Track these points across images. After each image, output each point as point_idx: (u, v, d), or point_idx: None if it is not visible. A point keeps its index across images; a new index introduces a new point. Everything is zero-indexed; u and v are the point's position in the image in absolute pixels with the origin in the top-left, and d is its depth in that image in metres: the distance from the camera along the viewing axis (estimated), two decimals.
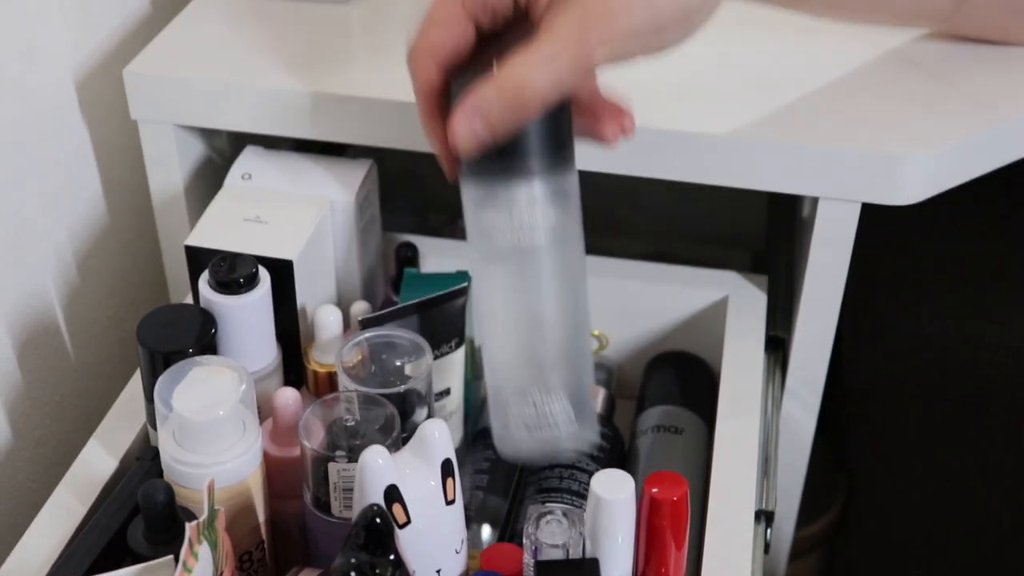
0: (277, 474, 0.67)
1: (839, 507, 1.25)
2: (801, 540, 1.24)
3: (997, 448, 1.19)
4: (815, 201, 0.70)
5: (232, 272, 0.66)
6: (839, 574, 1.31)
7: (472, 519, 0.71)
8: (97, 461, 0.67)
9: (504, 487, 0.73)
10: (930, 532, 1.27)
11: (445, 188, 0.99)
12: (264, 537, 0.67)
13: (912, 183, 0.68)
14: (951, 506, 1.24)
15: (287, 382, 0.72)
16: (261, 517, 0.66)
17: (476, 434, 0.77)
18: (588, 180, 0.74)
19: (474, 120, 0.54)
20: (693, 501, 0.65)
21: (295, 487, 0.66)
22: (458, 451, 0.74)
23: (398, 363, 0.66)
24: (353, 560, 0.53)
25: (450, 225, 0.99)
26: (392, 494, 0.58)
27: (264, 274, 0.68)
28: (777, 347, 0.76)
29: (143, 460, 0.67)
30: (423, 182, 0.99)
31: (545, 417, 0.56)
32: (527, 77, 0.53)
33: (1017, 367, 1.13)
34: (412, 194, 1.00)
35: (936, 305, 1.12)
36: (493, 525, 0.71)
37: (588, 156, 0.71)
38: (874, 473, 1.26)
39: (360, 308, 0.73)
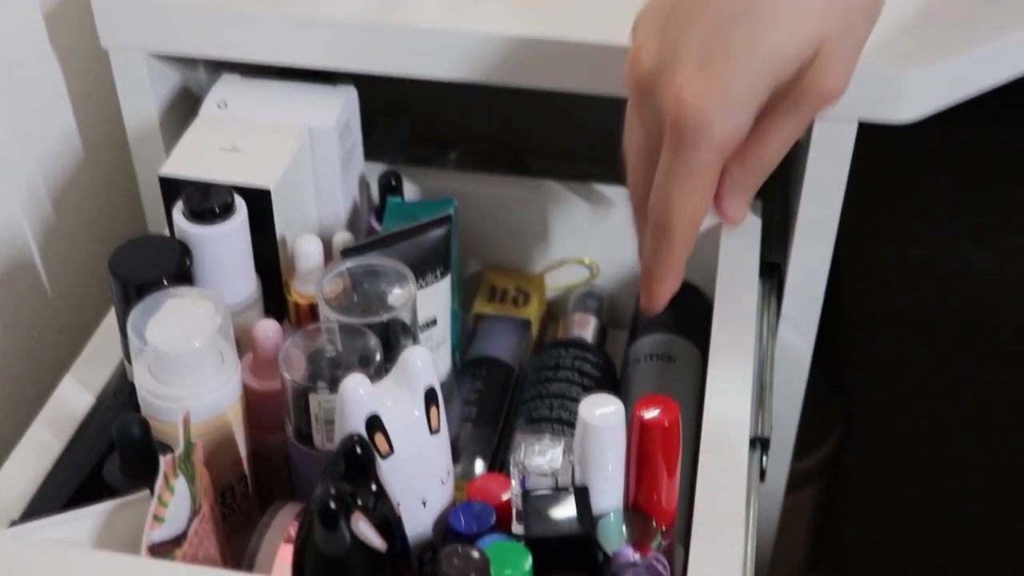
0: (259, 407, 0.66)
1: (837, 438, 1.24)
2: (798, 471, 1.22)
3: (997, 378, 1.18)
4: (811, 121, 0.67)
5: (206, 201, 0.64)
6: (837, 506, 1.30)
7: (460, 451, 0.70)
8: (73, 397, 0.66)
9: (493, 418, 0.71)
10: (929, 463, 1.26)
11: (433, 118, 0.98)
12: (246, 471, 0.65)
13: (911, 98, 0.65)
14: (950, 436, 1.23)
15: (268, 314, 0.70)
16: (243, 451, 0.64)
17: (464, 365, 0.75)
18: (582, 104, 0.72)
19: None
20: (687, 431, 0.63)
21: (277, 420, 0.64)
22: (446, 383, 0.72)
23: (381, 293, 0.65)
24: (333, 490, 0.51)
25: (439, 155, 0.97)
26: (374, 423, 0.56)
27: (240, 203, 0.66)
28: (772, 273, 0.74)
29: (120, 395, 0.66)
30: (410, 111, 0.97)
31: None
32: None
33: (1015, 295, 1.11)
34: (399, 124, 0.98)
35: (936, 234, 1.10)
36: (482, 457, 0.70)
37: (585, 78, 0.69)
38: (872, 404, 1.25)
39: (342, 238, 0.71)
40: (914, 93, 0.65)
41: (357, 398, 0.56)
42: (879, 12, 0.53)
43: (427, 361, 0.57)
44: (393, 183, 0.75)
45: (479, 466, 0.69)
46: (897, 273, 1.13)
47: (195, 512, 0.57)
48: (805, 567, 1.34)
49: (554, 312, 0.83)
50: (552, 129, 0.95)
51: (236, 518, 0.65)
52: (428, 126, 0.98)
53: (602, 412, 0.54)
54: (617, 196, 0.78)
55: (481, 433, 0.71)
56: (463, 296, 0.79)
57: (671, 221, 0.55)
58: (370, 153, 0.79)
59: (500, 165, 0.94)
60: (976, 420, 1.20)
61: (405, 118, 0.98)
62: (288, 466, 0.65)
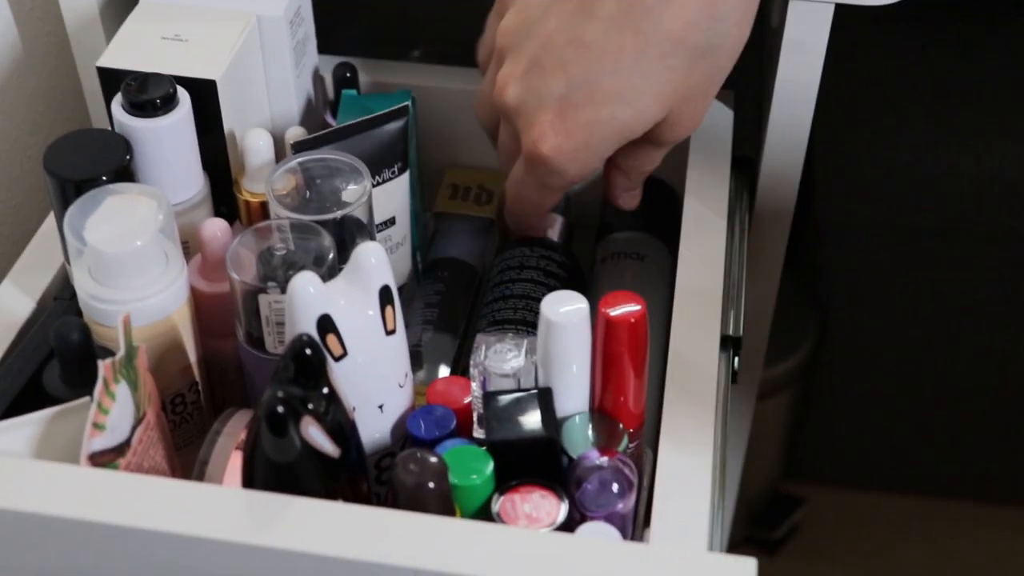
0: (209, 311, 0.63)
1: (811, 344, 1.23)
2: (773, 378, 1.21)
3: (972, 281, 1.16)
4: (784, 5, 0.64)
5: (146, 92, 0.61)
6: (812, 412, 1.29)
7: (423, 356, 0.67)
8: (13, 303, 0.62)
9: (455, 321, 0.69)
10: (904, 367, 1.25)
11: (395, 15, 0.93)
12: (197, 378, 0.62)
13: None
14: (925, 341, 1.22)
15: (219, 214, 0.67)
16: (192, 357, 0.62)
17: (427, 267, 0.72)
18: None
19: None
20: (656, 331, 0.61)
21: (229, 325, 0.61)
22: (407, 285, 0.69)
23: (335, 189, 0.61)
24: (281, 394, 0.48)
25: (401, 54, 0.93)
26: (325, 324, 0.53)
27: (183, 95, 0.62)
28: (745, 168, 0.71)
29: (61, 300, 0.63)
30: (372, 7, 0.93)
31: None
32: None
33: (991, 198, 1.09)
34: (360, 16, 0.94)
35: (911, 134, 1.07)
36: (444, 361, 0.67)
37: None
38: (847, 309, 1.23)
39: (295, 133, 0.68)
40: None
41: (307, 297, 0.53)
42: (729, 68, 0.60)
43: (381, 258, 0.54)
44: (348, 75, 0.72)
45: (442, 371, 0.67)
46: (871, 176, 1.11)
47: (139, 420, 0.54)
48: (780, 474, 1.33)
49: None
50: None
51: (189, 427, 0.63)
52: (390, 23, 0.94)
53: (565, 309, 0.51)
54: None
55: (443, 337, 0.68)
56: (425, 196, 0.76)
57: (522, 215, 0.67)
58: (329, 49, 0.75)
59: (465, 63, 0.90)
60: (951, 324, 1.19)
61: (365, 14, 0.94)
62: (241, 372, 0.63)
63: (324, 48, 0.75)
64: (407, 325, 0.69)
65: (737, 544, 1.31)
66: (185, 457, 0.61)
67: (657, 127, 0.60)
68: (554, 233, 0.72)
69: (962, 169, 1.08)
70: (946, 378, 1.24)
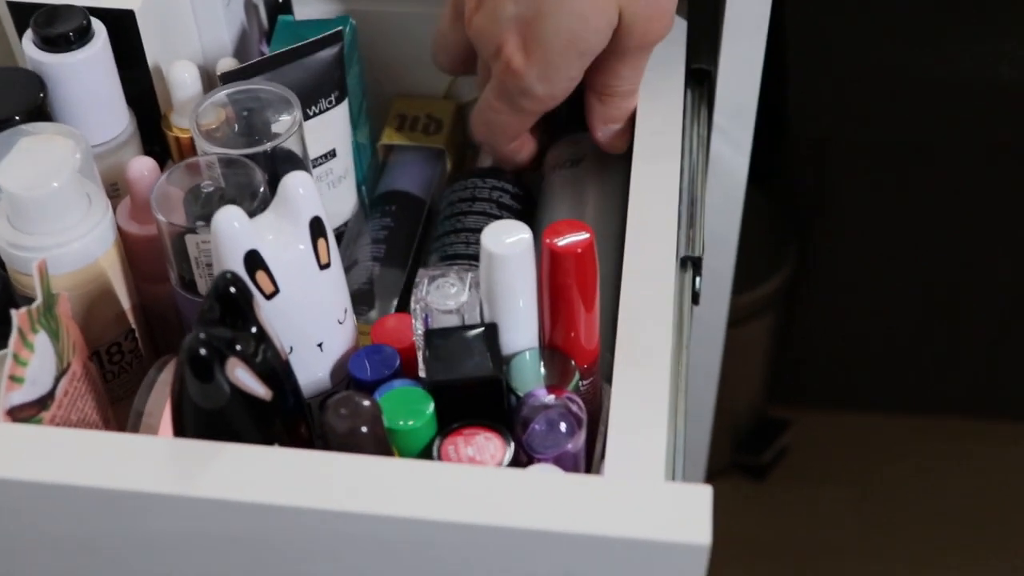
0: (143, 256, 0.60)
1: (791, 267, 1.20)
2: (754, 301, 1.19)
3: (952, 194, 1.13)
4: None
5: (58, 26, 0.57)
6: (796, 334, 1.27)
7: (370, 293, 0.64)
8: None
9: (403, 256, 0.66)
10: (885, 288, 1.22)
11: None
12: (134, 325, 0.59)
13: None
14: (907, 257, 1.19)
15: (150, 154, 0.63)
16: (126, 304, 0.59)
17: (373, 201, 0.69)
18: None
19: None
20: (607, 244, 0.58)
21: (165, 268, 0.58)
22: (352, 220, 0.66)
23: (265, 121, 0.58)
24: (203, 335, 0.45)
25: None
26: (253, 260, 0.50)
27: (99, 27, 0.58)
28: (702, 81, 0.68)
29: None
30: None
31: None
32: None
33: (970, 110, 1.06)
34: None
35: (888, 45, 1.04)
36: (393, 298, 0.64)
37: None
38: (826, 228, 1.20)
39: (226, 64, 0.64)
40: None
41: (232, 233, 0.49)
42: None
43: (310, 188, 0.51)
44: (281, 1, 0.68)
45: (392, 308, 0.64)
46: (848, 89, 1.07)
47: (63, 371, 0.51)
48: (765, 398, 1.31)
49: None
50: None
51: (128, 377, 0.60)
52: None
53: (507, 240, 0.48)
54: None
55: (392, 272, 0.65)
56: (372, 127, 0.73)
57: (492, 141, 0.65)
58: None
59: None
60: (933, 239, 1.16)
61: None
62: (180, 318, 0.60)
63: None
64: (356, 261, 0.66)
65: (724, 470, 1.30)
66: (127, 409, 0.58)
67: (616, 35, 0.58)
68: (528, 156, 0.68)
69: (941, 79, 1.05)
70: (930, 294, 1.22)
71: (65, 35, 0.57)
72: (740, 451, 1.30)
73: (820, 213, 1.20)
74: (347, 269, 0.64)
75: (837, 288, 1.25)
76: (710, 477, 1.07)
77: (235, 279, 0.47)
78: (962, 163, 1.11)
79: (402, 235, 0.66)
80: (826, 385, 1.33)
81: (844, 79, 1.07)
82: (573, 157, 0.66)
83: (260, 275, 0.50)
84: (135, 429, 0.54)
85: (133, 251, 0.59)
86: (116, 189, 0.62)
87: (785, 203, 1.21)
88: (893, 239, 1.18)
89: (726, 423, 1.23)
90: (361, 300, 0.64)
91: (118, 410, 0.58)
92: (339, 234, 0.65)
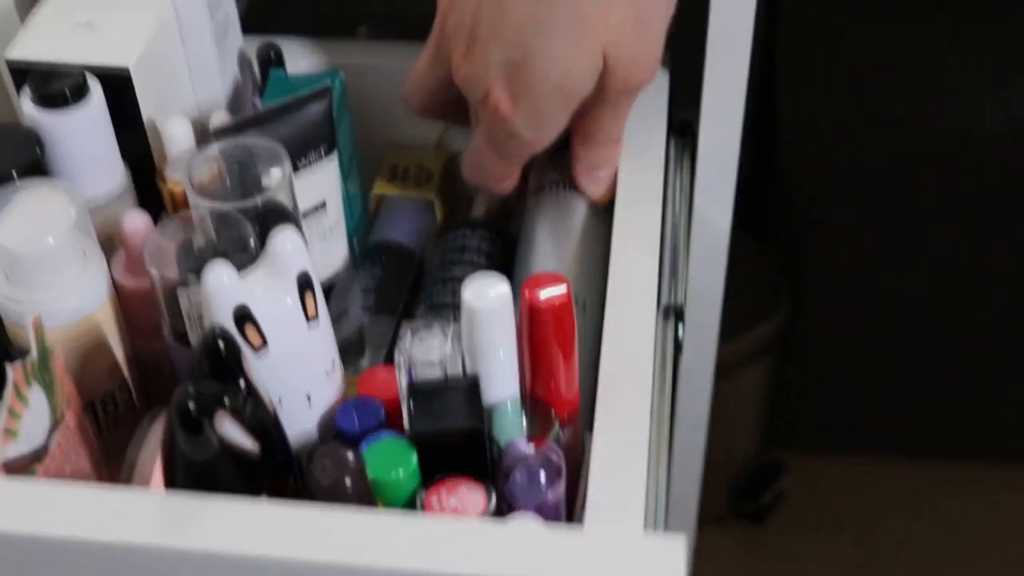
0: (137, 308, 0.61)
1: (786, 311, 1.21)
2: (749, 345, 1.20)
3: (946, 237, 1.14)
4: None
5: (55, 85, 0.59)
6: (792, 378, 1.27)
7: (360, 343, 0.65)
8: None
9: (393, 306, 0.67)
10: (882, 329, 1.23)
11: None
12: (127, 377, 0.61)
13: None
14: (902, 300, 1.20)
15: (145, 206, 0.65)
16: (120, 356, 0.60)
17: (365, 252, 0.71)
18: None
19: None
20: (596, 278, 0.59)
21: (158, 321, 0.59)
22: (342, 271, 0.67)
23: (257, 176, 0.59)
24: (192, 390, 0.46)
25: (348, 34, 0.90)
26: (242, 315, 0.51)
27: (95, 85, 0.60)
28: (685, 132, 0.69)
29: None
30: None
31: None
32: None
33: (959, 155, 1.07)
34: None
35: (879, 83, 1.05)
36: (382, 348, 0.65)
37: None
38: (820, 272, 1.21)
39: (219, 119, 0.66)
40: None
41: (221, 289, 0.51)
42: (660, 6, 0.59)
43: (297, 243, 0.52)
44: (273, 56, 0.70)
45: (373, 356, 0.65)
46: (838, 134, 1.08)
47: (56, 424, 0.53)
48: (762, 443, 1.31)
49: (467, 190, 0.78)
50: None
51: (122, 429, 0.61)
52: (334, 2, 0.92)
53: (485, 294, 0.49)
54: None
55: (382, 322, 0.66)
56: (364, 178, 0.74)
57: (483, 184, 0.65)
58: (271, 31, 0.73)
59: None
60: (928, 282, 1.17)
61: None
62: (174, 371, 0.61)
63: (267, 28, 0.73)
64: (346, 311, 0.67)
65: (721, 516, 1.30)
66: (121, 460, 0.60)
67: (600, 80, 0.59)
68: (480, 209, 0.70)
69: (930, 123, 1.06)
70: (925, 337, 1.22)
71: (62, 93, 0.58)
72: (737, 496, 1.31)
73: (812, 257, 1.21)
74: (337, 319, 0.65)
75: (832, 331, 1.25)
76: (706, 523, 1.08)
77: (224, 334, 0.48)
78: (952, 207, 1.11)
79: (393, 285, 0.68)
80: (823, 429, 1.34)
81: (833, 124, 1.08)
82: (557, 179, 0.67)
83: (249, 329, 0.51)
84: (128, 480, 0.55)
85: (127, 303, 0.60)
86: (111, 242, 0.63)
87: (777, 247, 1.22)
88: (886, 282, 1.19)
89: (723, 469, 1.23)
90: (351, 350, 0.65)
91: (113, 461, 0.59)
92: (330, 285, 0.66)
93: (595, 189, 0.65)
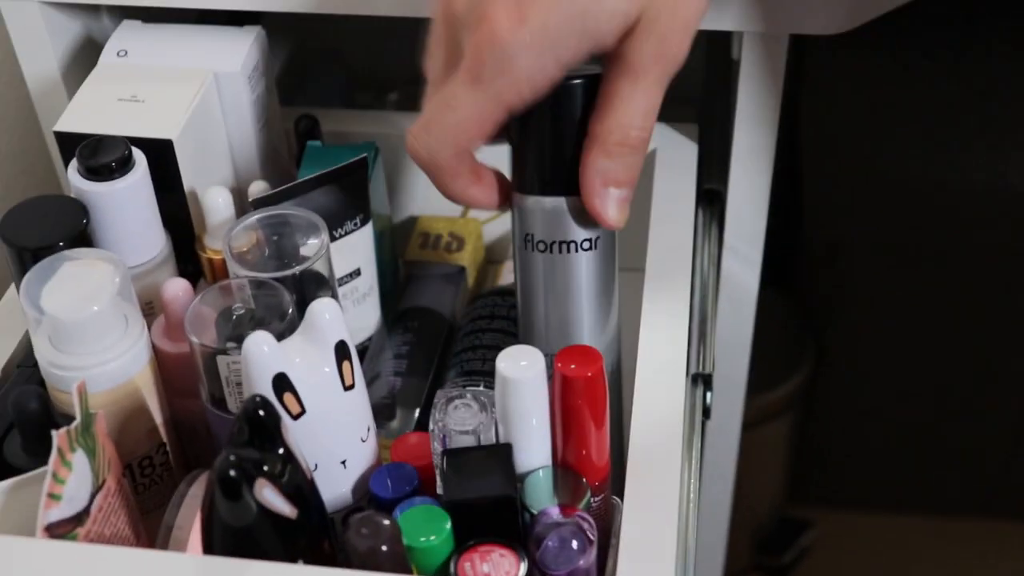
0: (176, 371, 0.62)
1: (808, 369, 1.22)
2: (771, 404, 1.20)
3: (967, 295, 1.15)
4: (740, 38, 0.64)
5: (101, 156, 0.60)
6: (815, 434, 1.28)
7: (391, 407, 0.67)
8: None
9: (424, 371, 0.68)
10: (905, 385, 1.23)
11: (370, 61, 0.93)
12: (165, 439, 0.62)
13: (842, 7, 0.62)
14: (925, 356, 1.20)
15: (184, 274, 0.66)
16: (158, 418, 0.61)
17: (396, 317, 0.72)
18: None
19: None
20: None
21: (196, 384, 0.61)
22: (375, 336, 0.69)
23: (295, 245, 0.61)
24: (233, 457, 0.48)
25: (378, 100, 0.93)
26: (281, 383, 0.53)
27: (139, 156, 0.62)
28: (713, 201, 0.71)
29: (24, 368, 0.62)
30: (346, 56, 0.93)
31: None
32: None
33: (980, 215, 1.08)
34: (335, 70, 0.94)
35: (901, 150, 1.06)
36: (414, 412, 0.66)
37: None
38: (842, 333, 1.22)
39: (257, 188, 0.67)
40: (844, 2, 0.61)
41: (261, 357, 0.52)
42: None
43: (335, 313, 0.54)
44: (310, 127, 0.72)
45: (413, 423, 0.66)
46: (860, 194, 1.10)
47: (98, 487, 0.54)
48: (785, 499, 1.32)
49: (496, 257, 0.79)
50: None
51: (159, 489, 0.62)
52: (365, 70, 0.94)
53: (520, 365, 0.51)
54: None
55: (413, 387, 0.67)
56: (397, 244, 0.76)
57: (438, 150, 0.53)
58: (305, 101, 0.75)
59: None
60: (950, 338, 1.18)
61: (340, 63, 0.94)
62: (210, 433, 0.62)
63: (299, 100, 0.75)
64: (378, 375, 0.68)
65: (745, 570, 1.30)
66: (156, 520, 0.61)
67: (630, 38, 0.51)
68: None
69: (952, 183, 1.07)
70: (949, 393, 1.22)
71: (108, 165, 0.60)
72: (761, 552, 1.31)
73: (836, 314, 1.22)
74: (370, 382, 0.66)
75: (856, 387, 1.26)
76: None
77: (264, 403, 0.50)
78: (975, 266, 1.12)
79: (423, 350, 0.69)
80: (847, 485, 1.34)
81: (856, 183, 1.09)
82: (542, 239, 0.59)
83: (287, 397, 0.53)
84: (165, 543, 0.57)
85: (166, 368, 0.62)
86: (151, 307, 0.65)
87: (801, 304, 1.23)
88: (909, 339, 1.20)
89: (747, 523, 1.24)
90: (383, 413, 0.66)
91: (148, 522, 0.61)
92: (363, 349, 0.68)
93: (609, 210, 0.54)
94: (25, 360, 0.63)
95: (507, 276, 0.73)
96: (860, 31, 0.64)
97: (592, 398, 0.51)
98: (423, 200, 0.78)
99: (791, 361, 1.22)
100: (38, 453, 0.55)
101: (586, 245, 0.56)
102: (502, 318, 0.68)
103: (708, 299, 0.67)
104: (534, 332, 0.59)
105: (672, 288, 0.61)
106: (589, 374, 0.51)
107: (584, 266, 0.57)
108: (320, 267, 0.60)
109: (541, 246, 0.57)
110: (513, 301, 0.69)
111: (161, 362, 0.62)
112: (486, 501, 0.51)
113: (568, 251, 0.56)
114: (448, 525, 0.51)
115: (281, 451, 0.50)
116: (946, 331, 1.17)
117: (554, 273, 0.57)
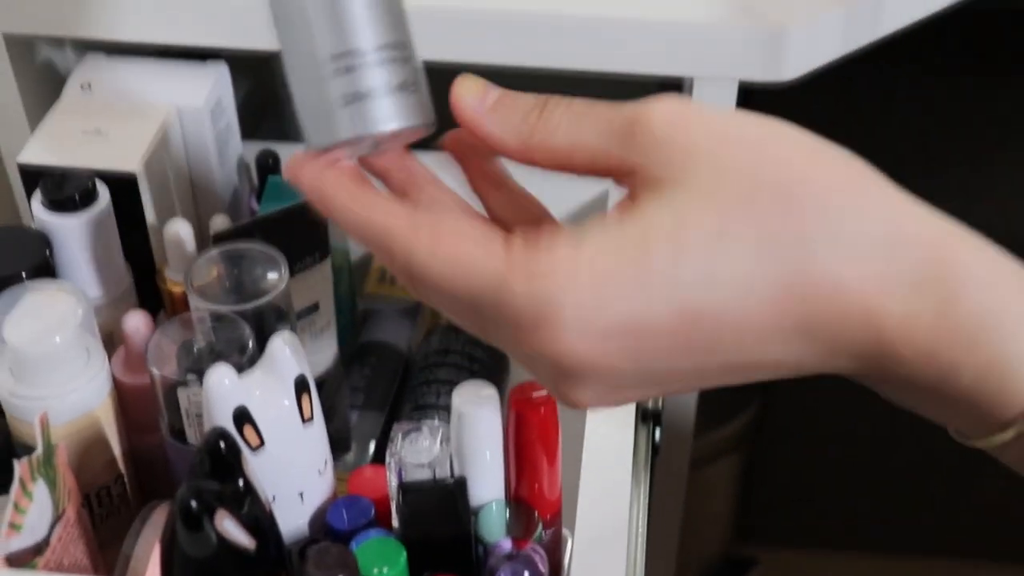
0: (135, 404, 0.63)
1: (756, 405, 1.24)
2: (719, 440, 1.22)
3: None
4: (691, 84, 0.66)
5: (65, 189, 0.61)
6: (761, 473, 1.30)
7: (347, 439, 0.68)
8: None
9: (380, 404, 0.69)
10: (850, 425, 1.26)
11: None
12: (123, 471, 0.62)
13: (791, 55, 0.64)
14: (870, 397, 1.22)
15: (145, 306, 0.67)
16: (117, 450, 0.62)
17: (354, 351, 0.73)
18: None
19: None
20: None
21: (155, 417, 0.61)
22: (332, 370, 0.70)
23: (254, 278, 0.62)
24: (195, 488, 0.49)
25: None
26: (242, 416, 0.54)
27: (102, 190, 0.63)
28: None
29: None
30: None
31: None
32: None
33: None
34: None
35: None
36: (369, 446, 0.68)
37: (444, 49, 0.66)
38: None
39: (218, 222, 0.68)
40: (794, 50, 0.64)
41: (222, 390, 0.53)
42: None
43: (295, 348, 0.55)
44: (271, 162, 0.73)
45: (368, 456, 0.67)
46: None
47: (58, 517, 0.54)
48: (731, 537, 1.33)
49: None
50: None
51: (116, 520, 0.63)
52: None
53: (475, 400, 0.52)
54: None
55: (369, 421, 0.68)
56: (355, 279, 0.77)
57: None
58: (266, 136, 0.76)
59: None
60: None
61: None
62: (167, 465, 0.63)
63: (261, 135, 0.76)
64: (335, 408, 0.69)
65: None
66: (113, 551, 0.61)
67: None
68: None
69: None
70: (893, 434, 1.25)
71: (72, 197, 0.61)
72: None
73: None
74: (326, 415, 0.67)
75: (802, 426, 1.28)
76: None
77: (225, 436, 0.51)
78: None
79: (380, 384, 0.70)
80: (792, 524, 1.36)
81: None
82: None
83: (247, 429, 0.54)
84: (123, 573, 0.57)
85: (125, 399, 0.63)
86: (111, 338, 0.66)
87: None
88: (855, 382, 1.22)
89: (693, 560, 1.25)
90: (338, 445, 0.67)
91: (105, 552, 0.61)
92: (320, 382, 0.69)
93: None
94: None
95: None
96: (810, 79, 0.66)
97: (544, 433, 0.53)
98: None
99: (737, 401, 1.24)
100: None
101: None
102: (456, 353, 0.69)
103: None
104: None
105: None
106: (542, 410, 0.52)
107: None
108: (279, 301, 0.62)
109: None
110: (467, 336, 0.71)
111: (121, 394, 0.62)
112: (441, 534, 0.52)
113: None
114: (403, 558, 0.52)
115: (241, 483, 0.51)
116: None
117: None
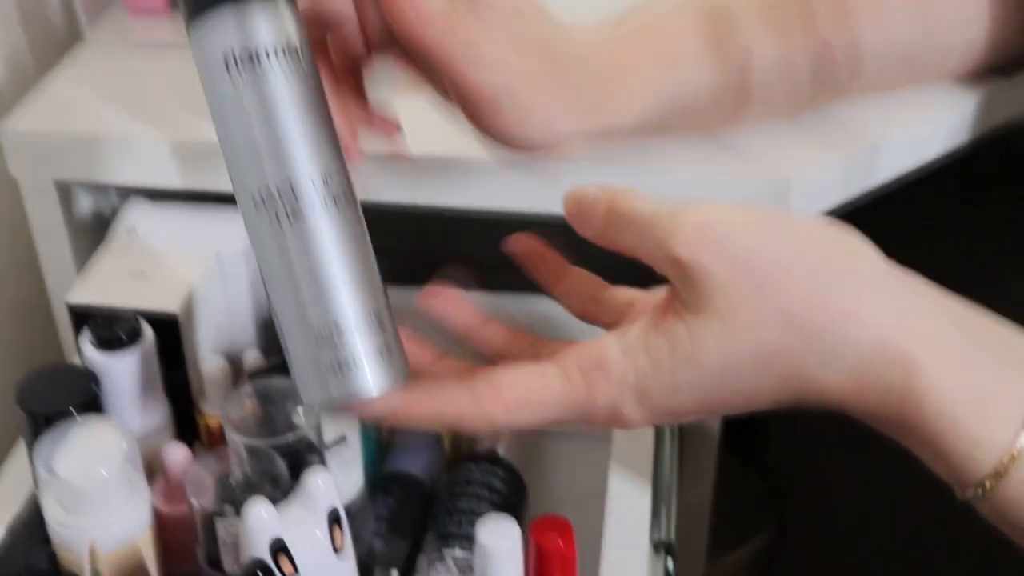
0: (173, 533, 0.66)
1: (770, 531, 1.25)
2: (734, 563, 1.23)
3: (925, 471, 1.18)
4: None
5: (113, 329, 0.65)
6: None
7: (374, 568, 0.71)
8: None
9: (405, 533, 0.72)
10: (863, 549, 1.26)
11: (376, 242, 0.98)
12: None
13: (795, 206, 0.68)
14: (883, 523, 1.23)
15: (182, 438, 0.71)
16: None
17: (379, 480, 0.76)
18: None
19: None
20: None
21: (192, 546, 0.64)
22: (357, 500, 0.73)
23: (287, 412, 0.66)
24: None
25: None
26: (277, 547, 0.57)
27: (147, 330, 0.67)
28: None
29: (31, 528, 0.66)
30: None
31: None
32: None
33: None
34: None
35: None
36: (391, 573, 0.70)
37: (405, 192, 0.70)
38: (803, 494, 1.25)
39: (252, 357, 0.72)
40: (795, 203, 0.68)
41: (259, 523, 0.56)
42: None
43: (328, 482, 0.58)
44: None
45: None
46: None
47: None
48: None
49: None
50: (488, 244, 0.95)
51: None
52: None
53: (498, 535, 0.55)
54: (524, 305, 0.79)
55: (392, 548, 0.71)
56: None
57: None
58: None
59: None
60: (911, 515, 1.21)
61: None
62: None
63: None
64: (358, 537, 0.72)
65: None
66: None
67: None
68: (502, 446, 0.76)
69: None
70: (909, 564, 1.25)
71: (119, 337, 0.65)
72: None
73: (797, 480, 1.25)
74: (352, 543, 0.70)
75: (818, 551, 1.28)
76: None
77: (263, 565, 0.54)
78: None
79: (404, 513, 0.73)
80: None
81: None
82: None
83: (283, 559, 0.57)
84: None
85: (164, 528, 0.66)
86: (151, 469, 0.69)
87: (762, 468, 1.26)
88: (871, 509, 1.23)
89: None
90: (363, 572, 0.70)
91: None
92: (346, 510, 0.72)
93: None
94: (30, 519, 0.67)
95: (483, 440, 0.78)
96: None
97: (564, 566, 0.56)
98: None
99: (751, 526, 1.25)
100: None
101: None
102: (476, 483, 0.72)
103: (672, 465, 0.71)
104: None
105: (636, 460, 0.66)
106: (561, 545, 0.55)
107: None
108: (310, 434, 0.65)
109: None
110: (487, 467, 0.74)
111: (160, 523, 0.65)
112: None
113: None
114: None
115: None
116: (908, 501, 1.20)
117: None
